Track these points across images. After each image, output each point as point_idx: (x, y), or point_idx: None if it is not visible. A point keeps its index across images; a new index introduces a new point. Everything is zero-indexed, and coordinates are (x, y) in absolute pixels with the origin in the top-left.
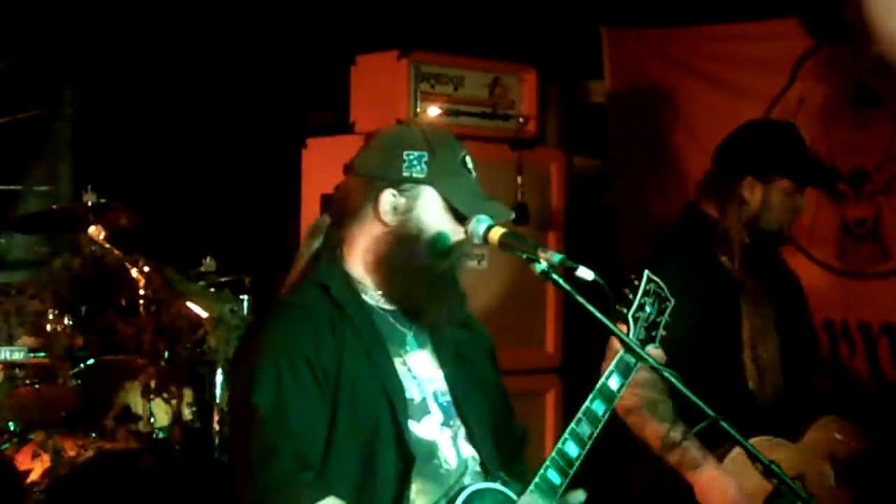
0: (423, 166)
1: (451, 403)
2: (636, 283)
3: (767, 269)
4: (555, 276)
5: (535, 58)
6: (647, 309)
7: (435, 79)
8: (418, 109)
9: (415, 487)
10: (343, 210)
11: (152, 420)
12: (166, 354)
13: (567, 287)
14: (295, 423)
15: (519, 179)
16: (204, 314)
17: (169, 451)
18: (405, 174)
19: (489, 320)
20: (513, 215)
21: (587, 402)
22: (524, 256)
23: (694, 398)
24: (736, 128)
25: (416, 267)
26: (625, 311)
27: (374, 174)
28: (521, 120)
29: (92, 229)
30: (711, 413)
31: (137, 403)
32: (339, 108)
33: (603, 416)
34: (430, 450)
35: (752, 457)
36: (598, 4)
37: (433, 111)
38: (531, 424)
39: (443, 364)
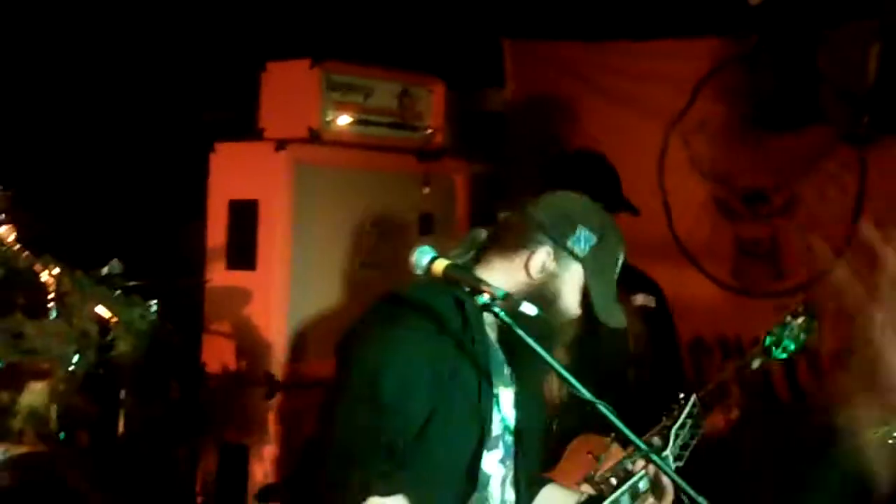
0: (587, 247)
1: (513, 446)
2: (683, 402)
3: None
4: (497, 310)
5: (434, 65)
6: (686, 429)
7: (345, 88)
8: (328, 118)
9: None
10: (498, 240)
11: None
12: (76, 358)
13: (509, 320)
14: (409, 415)
15: (425, 190)
16: (114, 318)
17: (76, 454)
18: (569, 244)
19: None
20: (623, 325)
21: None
22: (467, 290)
23: (626, 430)
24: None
25: (536, 324)
26: (668, 424)
27: (544, 227)
28: (428, 131)
29: (1, 230)
30: (644, 446)
31: (45, 406)
32: (238, 108)
33: None
34: (486, 481)
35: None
36: (496, 15)
37: (343, 120)
38: None
39: (519, 407)
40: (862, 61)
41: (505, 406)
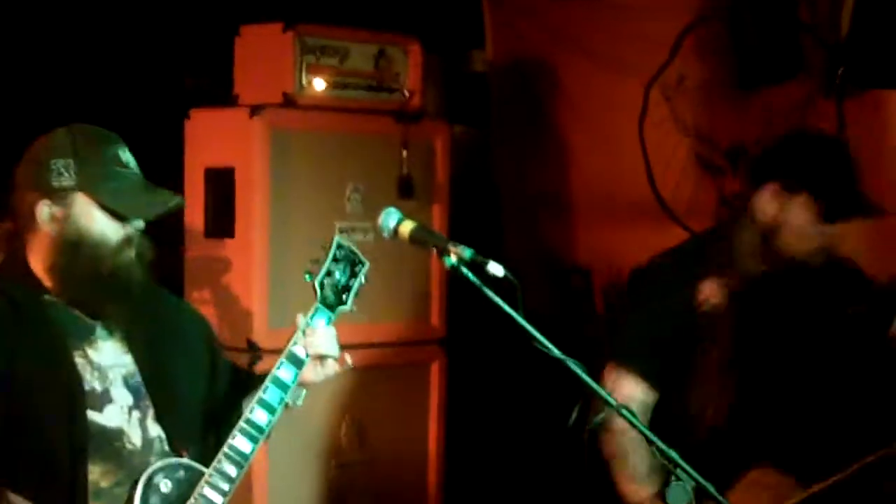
0: (71, 174)
1: (141, 385)
2: (325, 249)
3: (777, 297)
4: (464, 270)
5: (417, 27)
6: (337, 275)
7: (320, 51)
8: (304, 82)
9: (99, 470)
10: (18, 218)
11: None
12: None
13: (477, 281)
14: None
15: (404, 153)
16: None
17: None
18: (55, 184)
19: (375, 293)
20: (176, 200)
21: (274, 370)
22: (434, 251)
23: (596, 386)
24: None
25: (81, 272)
26: (311, 278)
27: (29, 186)
28: (405, 93)
29: None
30: (612, 402)
31: None
32: (216, 74)
33: (292, 382)
34: (113, 434)
35: (658, 449)
36: None
37: (318, 84)
38: (415, 394)
39: (134, 349)
40: (837, 14)
41: (105, 358)
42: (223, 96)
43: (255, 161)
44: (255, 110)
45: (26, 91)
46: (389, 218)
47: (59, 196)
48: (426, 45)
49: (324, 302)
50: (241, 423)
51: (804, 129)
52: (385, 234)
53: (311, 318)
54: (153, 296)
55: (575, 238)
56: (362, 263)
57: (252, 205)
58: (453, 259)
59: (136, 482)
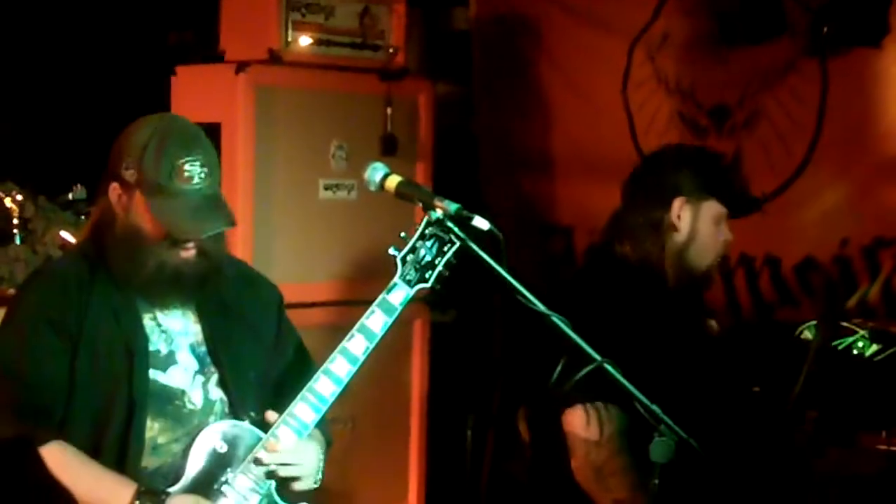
0: (134, 171)
1: (207, 353)
2: (418, 226)
3: (686, 311)
4: (450, 225)
5: None
6: (423, 252)
7: (306, 8)
8: (289, 39)
9: (158, 426)
10: (105, 193)
11: None
12: None
13: (462, 235)
14: (33, 378)
15: (388, 110)
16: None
17: None
18: (122, 173)
19: (358, 250)
20: (227, 225)
21: (345, 341)
22: (420, 205)
23: (580, 342)
24: (649, 155)
25: (124, 265)
26: (396, 253)
27: (110, 167)
28: (390, 50)
29: None
30: (597, 357)
31: None
32: (200, 30)
33: (362, 353)
34: (174, 394)
35: (642, 405)
36: None
37: (304, 41)
38: (399, 351)
39: (203, 319)
40: None
41: (174, 324)
42: (208, 53)
43: (240, 117)
44: (240, 67)
45: (11, 49)
46: (376, 172)
47: (126, 185)
48: (409, 1)
49: (403, 277)
50: (305, 392)
51: (675, 145)
52: (371, 188)
53: (388, 292)
54: (227, 272)
55: (556, 196)
56: (453, 243)
57: (237, 161)
58: (439, 213)
59: (192, 440)
